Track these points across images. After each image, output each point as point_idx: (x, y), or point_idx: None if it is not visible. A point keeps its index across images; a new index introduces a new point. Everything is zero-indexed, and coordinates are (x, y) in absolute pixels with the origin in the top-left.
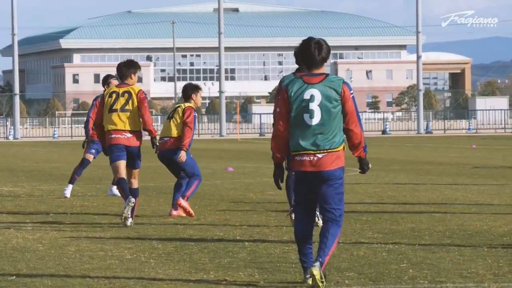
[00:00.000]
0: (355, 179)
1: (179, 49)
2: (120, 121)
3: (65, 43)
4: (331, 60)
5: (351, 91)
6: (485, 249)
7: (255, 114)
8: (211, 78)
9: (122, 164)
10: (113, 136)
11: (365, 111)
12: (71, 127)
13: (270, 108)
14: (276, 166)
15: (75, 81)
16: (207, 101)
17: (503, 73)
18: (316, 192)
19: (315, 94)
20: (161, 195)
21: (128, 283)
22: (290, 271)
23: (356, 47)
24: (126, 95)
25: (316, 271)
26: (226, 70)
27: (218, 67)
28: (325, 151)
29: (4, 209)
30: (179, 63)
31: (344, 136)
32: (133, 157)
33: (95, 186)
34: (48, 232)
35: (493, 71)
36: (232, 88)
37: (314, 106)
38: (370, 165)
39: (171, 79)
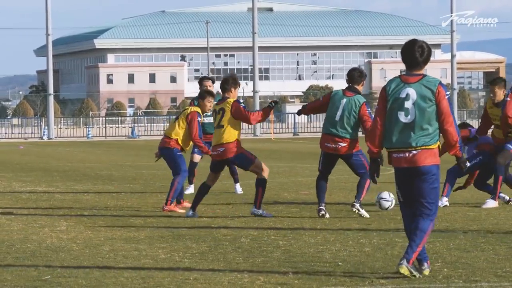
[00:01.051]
0: (389, 179)
1: (213, 49)
2: (216, 137)
3: (99, 43)
4: (365, 59)
5: (447, 92)
6: None
7: (289, 113)
8: (245, 78)
9: (215, 176)
10: (213, 153)
11: None
12: (105, 127)
13: None
14: (372, 161)
15: (109, 81)
16: (241, 100)
17: None
18: (415, 187)
19: (410, 93)
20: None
21: (162, 283)
22: (324, 270)
23: (391, 46)
24: (221, 112)
25: (402, 269)
26: (260, 69)
27: (252, 67)
28: (420, 148)
29: (38, 209)
30: (213, 63)
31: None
32: (233, 164)
33: (129, 186)
34: (82, 232)
35: None
36: (266, 88)
37: (409, 104)
38: (468, 163)
39: None
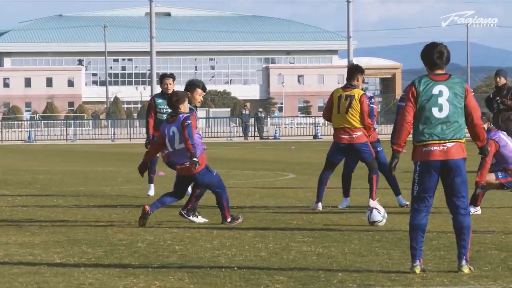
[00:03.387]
0: (286, 184)
1: (111, 53)
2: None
3: None
4: (262, 65)
5: (472, 90)
6: None
7: None
8: (143, 83)
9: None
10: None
11: (296, 116)
12: (1, 131)
13: (202, 112)
14: (395, 155)
15: (6, 85)
16: (139, 105)
17: None
18: (437, 182)
19: (443, 90)
20: (91, 199)
21: None
22: (220, 275)
23: (288, 52)
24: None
25: (466, 269)
26: (158, 74)
27: (150, 71)
28: (454, 141)
29: None
30: (111, 67)
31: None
32: None
33: (25, 190)
34: None
35: None
36: None
37: (442, 100)
38: (488, 149)
39: (103, 83)
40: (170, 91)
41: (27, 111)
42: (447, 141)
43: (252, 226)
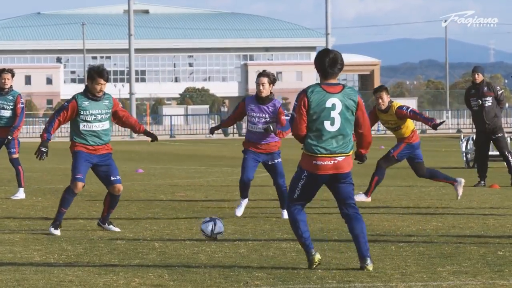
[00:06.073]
0: (265, 181)
1: (89, 51)
2: None
3: None
4: (241, 62)
5: (362, 101)
6: (393, 248)
7: (165, 115)
8: (122, 80)
9: None
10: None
11: None
12: None
13: (181, 109)
14: None
15: None
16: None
17: (412, 74)
18: (316, 191)
19: (336, 103)
20: None
21: (37, 285)
22: (200, 271)
23: (267, 49)
24: None
25: (371, 267)
26: (136, 71)
27: (128, 69)
28: (343, 155)
29: None
30: (89, 65)
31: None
32: None
33: (5, 188)
34: None
35: (401, 73)
36: (143, 90)
37: (335, 114)
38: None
39: (81, 81)
40: (8, 86)
41: None
42: (337, 154)
43: (231, 223)
